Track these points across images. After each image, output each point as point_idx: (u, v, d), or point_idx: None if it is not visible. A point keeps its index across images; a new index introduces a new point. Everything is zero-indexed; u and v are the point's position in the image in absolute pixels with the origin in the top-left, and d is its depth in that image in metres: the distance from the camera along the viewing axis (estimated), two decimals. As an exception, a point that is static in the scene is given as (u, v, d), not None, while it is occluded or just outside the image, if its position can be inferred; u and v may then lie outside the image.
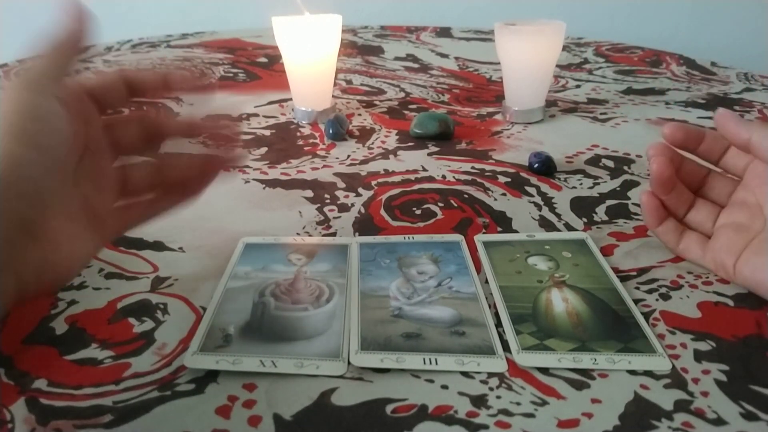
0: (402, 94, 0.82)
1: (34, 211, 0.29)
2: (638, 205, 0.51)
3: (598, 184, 0.55)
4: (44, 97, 0.30)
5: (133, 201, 0.37)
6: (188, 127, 0.38)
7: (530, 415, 0.30)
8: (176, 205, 0.38)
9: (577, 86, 0.85)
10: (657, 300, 0.39)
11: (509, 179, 0.56)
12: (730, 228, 0.41)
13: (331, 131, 0.65)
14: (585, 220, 0.49)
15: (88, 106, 0.34)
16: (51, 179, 0.30)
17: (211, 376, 0.33)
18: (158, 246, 0.45)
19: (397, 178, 0.56)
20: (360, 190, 0.54)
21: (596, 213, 0.50)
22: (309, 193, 0.53)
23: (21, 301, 0.29)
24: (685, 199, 0.43)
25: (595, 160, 0.60)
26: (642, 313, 0.37)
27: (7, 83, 0.30)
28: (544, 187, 0.54)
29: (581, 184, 0.55)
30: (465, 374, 0.33)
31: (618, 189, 0.54)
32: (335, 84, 0.77)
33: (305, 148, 0.63)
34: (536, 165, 0.57)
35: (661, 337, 0.35)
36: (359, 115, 0.74)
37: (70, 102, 0.32)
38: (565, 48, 1.02)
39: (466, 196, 0.53)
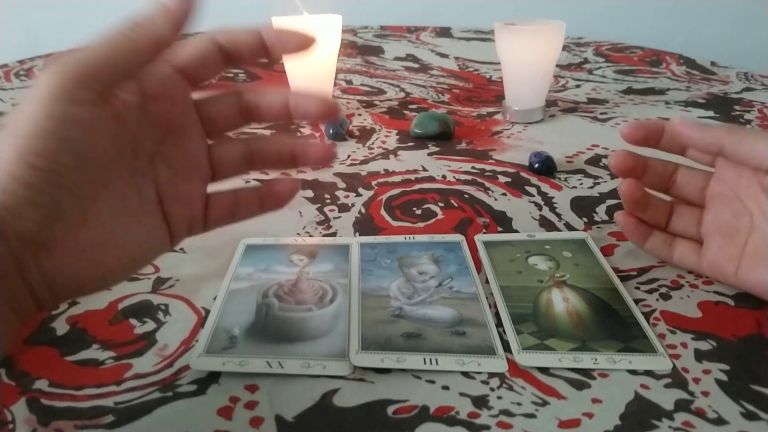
0: (402, 94, 0.82)
1: (42, 227, 0.26)
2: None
3: (599, 183, 0.55)
4: (74, 106, 0.26)
5: (219, 192, 0.35)
6: (283, 108, 0.34)
7: (531, 416, 0.30)
8: (262, 205, 0.36)
9: (577, 86, 0.85)
10: (657, 300, 0.39)
11: (509, 179, 0.56)
12: (719, 233, 0.39)
13: (331, 131, 0.65)
14: (585, 219, 0.49)
15: (175, 87, 0.31)
16: (69, 192, 0.26)
17: (213, 377, 0.33)
18: (159, 246, 0.45)
19: (397, 178, 0.56)
20: (360, 190, 0.54)
21: (596, 213, 0.50)
22: (309, 193, 0.54)
23: (39, 310, 0.27)
24: (663, 210, 0.42)
25: (595, 160, 0.60)
26: (642, 313, 0.37)
27: (41, 78, 0.27)
28: (545, 187, 0.54)
29: (581, 183, 0.55)
30: (466, 375, 0.33)
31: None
32: (335, 84, 0.77)
33: (305, 149, 0.63)
34: (536, 165, 0.57)
35: (661, 336, 0.35)
36: (359, 115, 0.74)
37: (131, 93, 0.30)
38: (565, 48, 1.02)
39: (466, 196, 0.53)
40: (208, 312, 0.38)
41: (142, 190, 0.31)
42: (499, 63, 0.71)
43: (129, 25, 0.28)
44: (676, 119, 0.40)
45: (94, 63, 0.27)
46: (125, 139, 0.30)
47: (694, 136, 0.39)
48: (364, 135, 0.67)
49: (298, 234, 0.47)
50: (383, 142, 0.65)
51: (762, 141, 0.36)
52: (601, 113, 0.74)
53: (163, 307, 0.38)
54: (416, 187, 0.55)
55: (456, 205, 0.51)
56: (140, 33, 0.28)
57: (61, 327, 0.37)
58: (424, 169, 0.58)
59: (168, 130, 0.32)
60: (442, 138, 0.65)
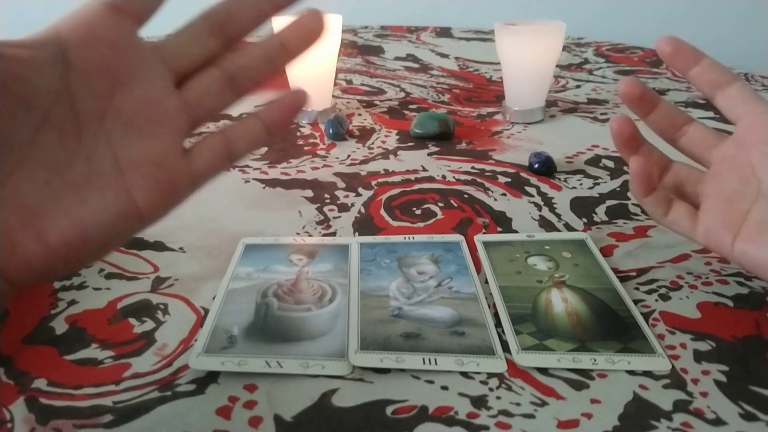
0: (402, 94, 0.82)
1: None
2: (638, 206, 0.51)
3: (598, 184, 0.55)
4: None
5: (201, 141, 0.29)
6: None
7: (530, 416, 0.30)
8: (257, 138, 0.31)
9: (577, 86, 0.85)
10: (656, 300, 0.39)
11: (509, 179, 0.56)
12: (722, 197, 0.35)
13: (331, 131, 0.65)
14: (585, 220, 0.49)
15: (110, 27, 0.26)
16: None
17: (212, 376, 0.33)
18: (159, 246, 0.45)
19: (397, 178, 0.56)
20: (360, 190, 0.54)
21: (596, 213, 0.50)
22: (309, 193, 0.54)
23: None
24: (657, 159, 0.39)
25: (595, 161, 0.60)
26: (642, 314, 0.37)
27: None
28: (544, 187, 0.54)
29: (581, 184, 0.55)
30: (465, 375, 0.33)
31: (618, 189, 0.54)
32: (335, 84, 0.77)
33: (305, 148, 0.63)
34: (536, 165, 0.57)
35: (660, 337, 0.35)
36: (359, 115, 0.74)
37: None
38: (565, 48, 1.02)
39: (466, 196, 0.53)
40: (207, 311, 0.38)
41: (93, 158, 0.26)
42: (499, 63, 0.71)
43: None
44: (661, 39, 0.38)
45: None
46: (43, 101, 0.25)
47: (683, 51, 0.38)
48: (364, 135, 0.67)
49: (298, 234, 0.47)
50: (383, 142, 0.65)
51: None
52: (601, 114, 0.74)
53: (162, 306, 0.38)
54: (416, 187, 0.55)
55: (456, 205, 0.51)
56: None
57: (60, 326, 0.37)
58: (424, 169, 0.58)
59: (115, 80, 0.26)
60: (442, 138, 0.65)
